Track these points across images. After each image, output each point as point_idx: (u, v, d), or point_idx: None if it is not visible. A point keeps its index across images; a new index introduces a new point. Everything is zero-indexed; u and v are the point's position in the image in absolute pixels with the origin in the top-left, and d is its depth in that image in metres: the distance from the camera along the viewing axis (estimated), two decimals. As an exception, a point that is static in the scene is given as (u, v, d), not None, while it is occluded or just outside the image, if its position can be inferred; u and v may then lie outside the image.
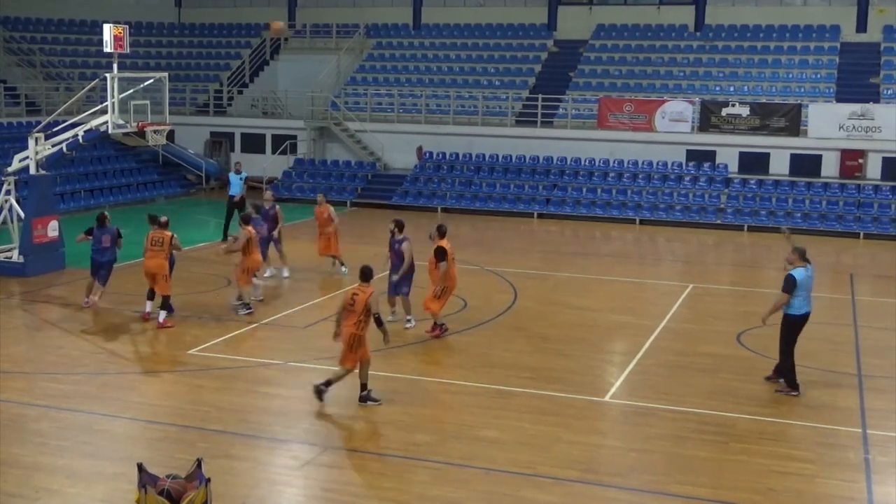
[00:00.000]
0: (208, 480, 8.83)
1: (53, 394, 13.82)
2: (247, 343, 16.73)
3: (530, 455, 11.89)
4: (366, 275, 13.70)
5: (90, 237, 19.08)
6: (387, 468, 11.44)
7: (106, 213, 19.93)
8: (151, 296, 17.91)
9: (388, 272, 18.13)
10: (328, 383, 13.47)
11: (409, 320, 17.60)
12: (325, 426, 12.94)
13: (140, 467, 8.79)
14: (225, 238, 24.99)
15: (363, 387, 13.63)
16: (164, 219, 18.11)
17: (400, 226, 17.92)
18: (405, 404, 13.65)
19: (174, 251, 18.05)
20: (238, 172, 26.30)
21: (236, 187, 25.84)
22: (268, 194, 23.04)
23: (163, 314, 17.53)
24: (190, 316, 18.35)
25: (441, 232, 17.32)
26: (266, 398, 13.97)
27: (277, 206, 21.67)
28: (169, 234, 17.82)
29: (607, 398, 14.19)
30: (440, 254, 16.95)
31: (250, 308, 18.50)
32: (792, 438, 12.69)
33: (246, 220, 19.10)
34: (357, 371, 13.59)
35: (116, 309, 18.80)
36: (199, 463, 9.04)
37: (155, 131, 22.13)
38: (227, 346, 16.39)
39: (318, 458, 11.79)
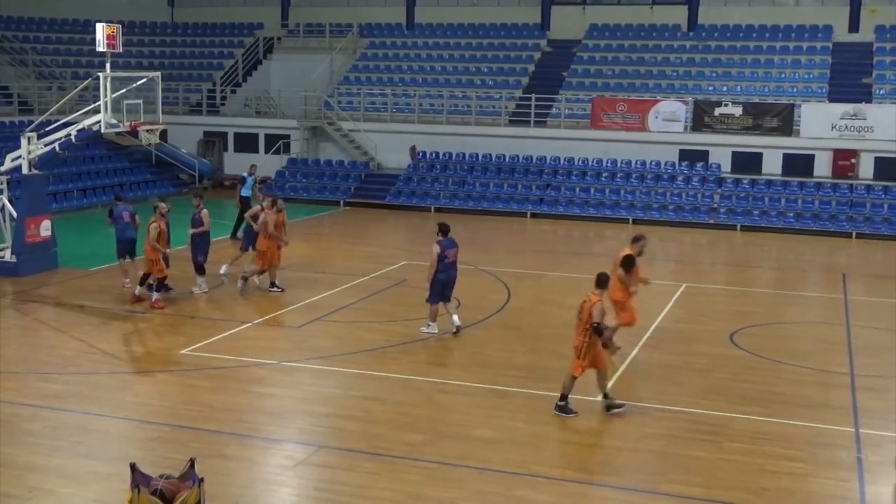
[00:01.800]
0: (202, 480, 8.81)
1: (46, 394, 13.79)
2: (240, 343, 16.70)
3: (524, 454, 11.90)
4: (601, 282, 13.25)
5: (112, 219, 20.29)
6: (380, 468, 11.43)
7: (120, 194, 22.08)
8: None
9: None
10: (563, 398, 13.28)
11: (429, 325, 17.28)
12: (318, 426, 12.94)
13: (133, 467, 8.77)
14: (234, 237, 25.58)
15: (605, 395, 13.38)
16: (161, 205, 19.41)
17: (442, 229, 17.00)
18: (398, 404, 13.65)
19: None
20: (252, 174, 26.57)
21: (248, 189, 26.26)
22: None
23: (156, 294, 18.94)
24: (183, 315, 18.33)
25: (635, 239, 16.30)
26: (260, 398, 13.95)
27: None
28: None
29: (601, 398, 14.19)
30: (627, 263, 15.68)
31: (246, 289, 20.06)
32: (785, 438, 12.70)
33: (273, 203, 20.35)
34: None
35: (110, 308, 18.78)
36: (192, 463, 9.02)
37: (148, 130, 22.10)
38: (221, 345, 16.37)
39: (312, 458, 11.79)
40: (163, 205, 19.28)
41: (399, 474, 11.24)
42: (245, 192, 26.30)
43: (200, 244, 19.87)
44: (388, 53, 41.16)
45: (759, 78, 36.13)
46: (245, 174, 26.89)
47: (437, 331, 17.11)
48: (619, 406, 13.34)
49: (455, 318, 17.18)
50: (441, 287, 17.02)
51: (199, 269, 19.94)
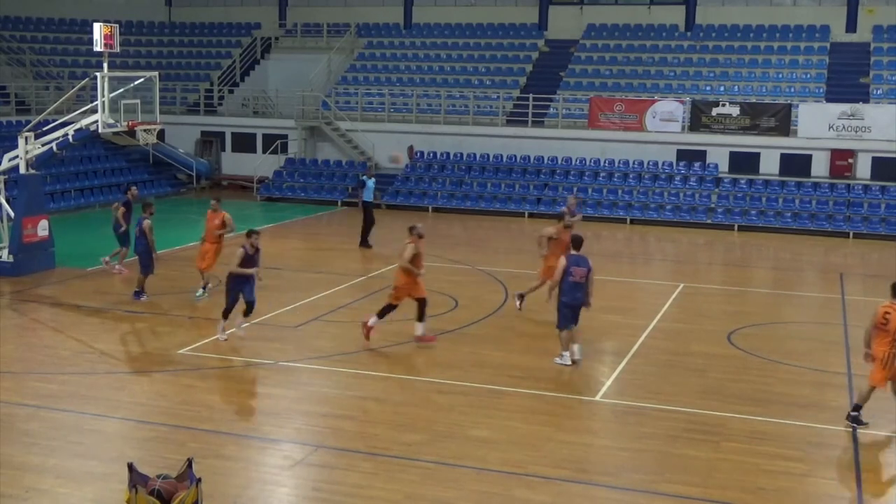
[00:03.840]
0: (199, 480, 8.81)
1: (43, 393, 13.77)
2: (238, 343, 16.68)
3: (521, 454, 11.89)
4: None
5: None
6: (378, 468, 11.43)
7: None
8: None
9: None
10: (857, 408, 13.04)
11: (562, 356, 15.60)
12: (316, 426, 12.93)
13: (130, 467, 8.77)
14: (367, 244, 25.53)
15: (858, 407, 13.08)
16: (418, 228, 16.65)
17: (574, 242, 15.62)
18: (396, 403, 13.65)
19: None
20: (371, 177, 26.47)
21: (370, 193, 26.05)
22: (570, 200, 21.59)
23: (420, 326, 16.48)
24: (181, 315, 18.32)
25: None
26: (257, 398, 13.95)
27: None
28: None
29: (598, 398, 14.20)
30: None
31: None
32: (782, 437, 12.71)
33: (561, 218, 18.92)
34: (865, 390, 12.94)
35: (107, 308, 18.76)
36: (189, 463, 9.02)
37: (145, 130, 22.09)
38: (219, 345, 16.34)
39: (309, 458, 11.78)
40: (420, 226, 16.67)
41: (396, 474, 11.23)
42: (367, 196, 26.02)
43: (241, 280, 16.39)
44: (385, 53, 41.16)
45: (757, 78, 36.16)
46: (364, 177, 26.51)
47: (570, 362, 15.46)
48: (864, 423, 12.97)
49: (576, 347, 15.52)
50: (569, 310, 15.37)
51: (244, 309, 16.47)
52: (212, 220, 19.40)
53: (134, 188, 21.85)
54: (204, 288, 19.48)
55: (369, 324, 16.36)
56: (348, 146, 36.64)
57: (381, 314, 16.39)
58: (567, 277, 15.12)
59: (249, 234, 16.26)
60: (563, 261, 15.21)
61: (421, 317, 16.32)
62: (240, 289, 16.14)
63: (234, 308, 16.34)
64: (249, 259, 16.05)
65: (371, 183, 26.27)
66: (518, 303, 18.69)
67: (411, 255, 16.04)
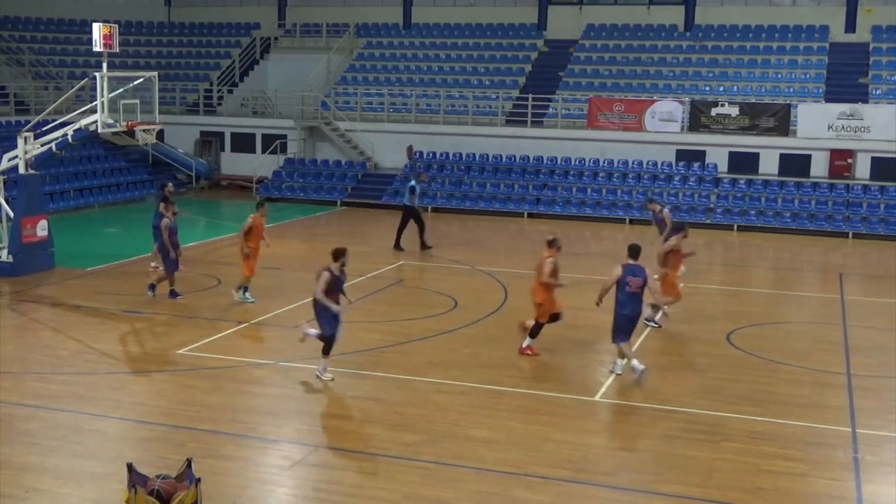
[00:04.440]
0: (198, 480, 8.82)
1: (43, 394, 13.77)
2: (237, 343, 16.69)
3: (520, 454, 11.89)
4: None
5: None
6: (377, 468, 11.44)
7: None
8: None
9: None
10: None
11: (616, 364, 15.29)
12: (315, 426, 12.94)
13: (130, 467, 8.78)
14: (426, 246, 25.17)
15: None
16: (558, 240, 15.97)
17: (630, 252, 14.91)
18: (395, 404, 13.64)
19: None
20: (422, 181, 26.19)
21: (409, 196, 25.73)
22: None
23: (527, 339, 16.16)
24: (180, 316, 18.32)
25: None
26: (256, 398, 13.94)
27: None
28: None
29: (598, 398, 14.21)
30: None
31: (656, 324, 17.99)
32: (782, 437, 12.71)
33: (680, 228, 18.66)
34: None
35: (107, 308, 18.75)
36: (189, 463, 9.04)
37: (144, 130, 22.10)
38: (218, 345, 16.35)
39: (309, 458, 11.78)
40: (559, 238, 16.07)
41: (395, 474, 11.23)
42: (406, 199, 25.64)
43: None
44: (384, 53, 41.16)
45: (756, 78, 36.17)
46: (413, 182, 25.99)
47: (642, 366, 14.75)
48: None
49: (622, 362, 15.09)
50: (628, 323, 14.85)
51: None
52: (264, 225, 19.24)
53: (170, 184, 21.82)
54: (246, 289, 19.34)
55: (524, 346, 16.02)
56: (348, 146, 36.65)
57: (533, 334, 15.97)
58: (624, 288, 14.62)
59: (338, 254, 14.22)
60: (618, 270, 14.66)
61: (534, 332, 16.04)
62: (328, 319, 14.30)
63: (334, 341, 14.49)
64: (336, 283, 14.21)
65: (419, 188, 25.94)
66: (657, 323, 18.07)
67: (552, 270, 15.55)
